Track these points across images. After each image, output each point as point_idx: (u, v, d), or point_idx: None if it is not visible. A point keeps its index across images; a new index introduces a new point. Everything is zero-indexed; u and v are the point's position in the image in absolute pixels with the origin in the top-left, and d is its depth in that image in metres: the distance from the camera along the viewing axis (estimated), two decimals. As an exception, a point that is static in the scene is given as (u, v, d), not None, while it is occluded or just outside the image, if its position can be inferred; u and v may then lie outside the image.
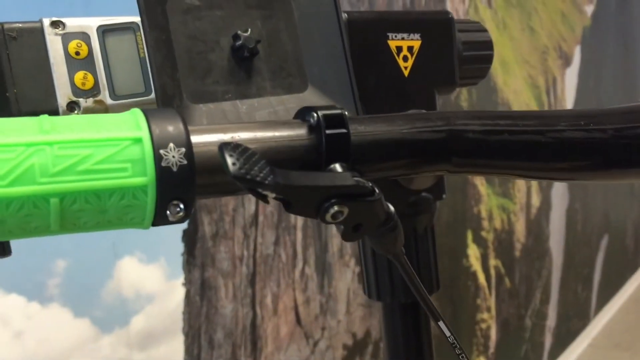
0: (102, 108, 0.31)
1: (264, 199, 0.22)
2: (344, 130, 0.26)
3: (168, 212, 0.21)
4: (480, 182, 1.74)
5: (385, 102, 0.40)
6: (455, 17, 0.44)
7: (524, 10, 1.98)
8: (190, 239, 0.98)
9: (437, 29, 0.42)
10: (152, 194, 0.21)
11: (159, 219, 0.22)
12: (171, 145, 0.21)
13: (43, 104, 0.29)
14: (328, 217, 0.23)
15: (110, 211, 0.21)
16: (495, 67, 1.81)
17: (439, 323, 0.30)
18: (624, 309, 2.73)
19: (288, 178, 0.22)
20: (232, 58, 0.33)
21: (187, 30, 0.32)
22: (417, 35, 0.41)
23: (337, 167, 0.25)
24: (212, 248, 1.00)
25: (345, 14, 0.38)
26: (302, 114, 0.27)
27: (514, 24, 1.92)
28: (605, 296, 2.68)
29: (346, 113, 0.26)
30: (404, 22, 0.40)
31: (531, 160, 0.28)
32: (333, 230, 1.24)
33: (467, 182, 1.69)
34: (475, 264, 1.72)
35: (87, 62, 0.30)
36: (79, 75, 0.30)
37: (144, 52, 0.32)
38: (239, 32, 0.32)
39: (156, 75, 0.30)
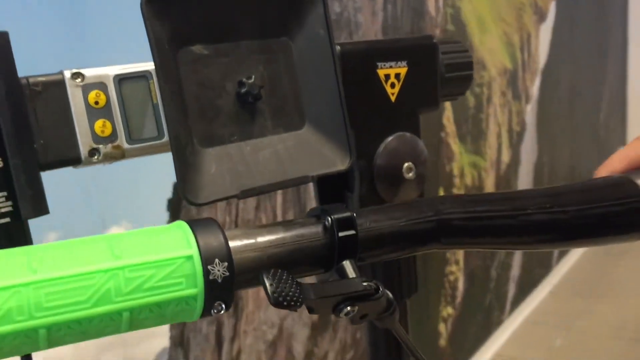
0: (119, 152, 0.33)
1: (295, 310, 0.26)
2: (353, 232, 0.30)
3: (213, 310, 0.26)
4: (453, 141, 1.79)
5: (373, 126, 0.43)
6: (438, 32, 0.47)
7: (502, -33, 1.99)
8: (175, 207, 1.01)
9: (422, 55, 0.45)
10: (201, 301, 0.25)
11: (204, 315, 0.26)
12: (217, 260, 0.25)
13: (66, 152, 0.32)
14: (342, 314, 0.27)
15: (167, 315, 0.24)
16: (472, 26, 1.83)
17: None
18: (584, 258, 2.86)
19: (312, 293, 0.25)
20: (237, 102, 0.35)
21: (196, 78, 0.34)
22: (404, 63, 0.44)
23: (347, 264, 0.28)
24: (195, 215, 1.04)
25: (339, 46, 0.41)
26: (317, 214, 0.30)
27: (490, -20, 1.93)
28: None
29: (354, 215, 0.30)
30: (392, 51, 0.43)
31: (505, 238, 0.32)
32: (311, 194, 1.28)
33: (441, 142, 1.74)
34: (446, 220, 1.79)
35: (106, 111, 0.33)
36: (98, 124, 0.32)
37: (156, 99, 0.34)
38: (244, 79, 0.35)
39: (169, 123, 0.33)
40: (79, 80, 0.32)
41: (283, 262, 0.27)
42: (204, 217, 0.27)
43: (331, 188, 0.43)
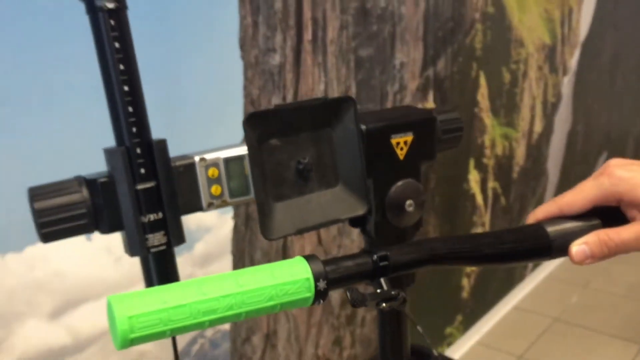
0: (224, 204, 0.55)
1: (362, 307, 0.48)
2: (387, 263, 0.51)
3: (316, 303, 0.47)
4: (486, 115, 1.95)
5: (387, 175, 0.63)
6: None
7: (547, -53, 2.07)
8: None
9: (424, 126, 0.64)
10: (311, 300, 0.46)
11: (312, 305, 0.47)
12: (320, 279, 0.46)
13: (195, 205, 0.53)
14: (380, 307, 0.50)
15: (296, 306, 0.46)
16: (512, 7, 1.95)
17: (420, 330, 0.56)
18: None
19: (368, 298, 0.48)
20: (296, 174, 0.56)
21: (272, 160, 0.55)
22: (410, 133, 0.63)
23: (382, 280, 0.50)
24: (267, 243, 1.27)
25: (364, 125, 0.61)
26: (369, 250, 0.51)
27: (535, -38, 2.02)
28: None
29: (388, 253, 0.51)
30: (402, 125, 0.63)
31: (468, 262, 0.54)
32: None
33: (475, 117, 1.90)
34: (475, 187, 1.98)
35: (218, 180, 0.54)
36: (213, 188, 0.54)
37: (248, 172, 0.55)
38: (301, 159, 0.56)
39: (255, 187, 0.54)
40: (202, 162, 0.54)
41: (353, 279, 0.49)
42: (311, 254, 0.48)
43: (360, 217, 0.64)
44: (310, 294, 0.46)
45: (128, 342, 0.40)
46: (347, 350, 1.59)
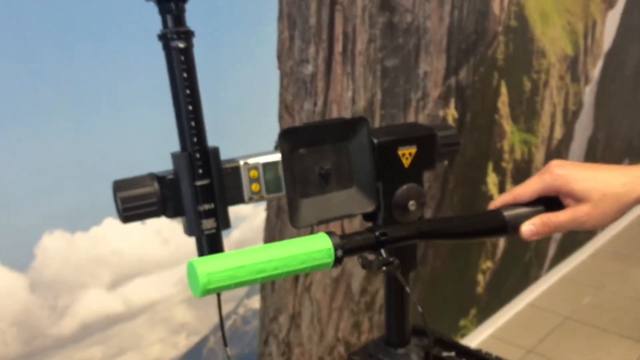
0: (261, 198, 0.70)
1: (369, 270, 0.63)
2: (385, 237, 0.66)
3: (334, 267, 0.61)
4: (506, 122, 2.07)
5: (394, 180, 0.77)
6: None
7: (572, -37, 2.17)
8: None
9: (426, 141, 0.78)
10: (331, 264, 0.61)
11: (331, 268, 0.62)
12: (339, 249, 0.61)
13: (238, 198, 0.68)
14: (381, 270, 0.64)
15: (318, 268, 0.61)
16: (534, 19, 2.06)
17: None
18: (630, 227, 3.08)
19: (374, 264, 0.63)
20: (319, 177, 0.71)
21: (300, 165, 0.70)
22: (414, 146, 0.77)
23: (383, 250, 0.65)
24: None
25: (376, 139, 0.75)
26: (373, 229, 0.66)
27: (559, -23, 2.12)
28: (616, 213, 3.02)
29: (386, 230, 0.66)
30: (408, 140, 0.77)
31: (446, 238, 0.70)
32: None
33: (494, 123, 2.02)
34: (493, 189, 2.10)
35: (257, 179, 0.69)
36: (253, 185, 0.69)
37: (281, 173, 0.70)
38: (323, 166, 0.70)
39: (286, 186, 0.69)
40: (246, 165, 0.69)
41: (361, 249, 0.64)
42: (331, 231, 0.63)
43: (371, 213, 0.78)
44: (330, 260, 0.61)
45: (205, 292, 0.56)
46: (365, 334, 1.73)
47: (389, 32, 1.56)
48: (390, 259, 0.67)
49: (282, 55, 1.34)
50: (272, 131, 1.36)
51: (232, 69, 1.24)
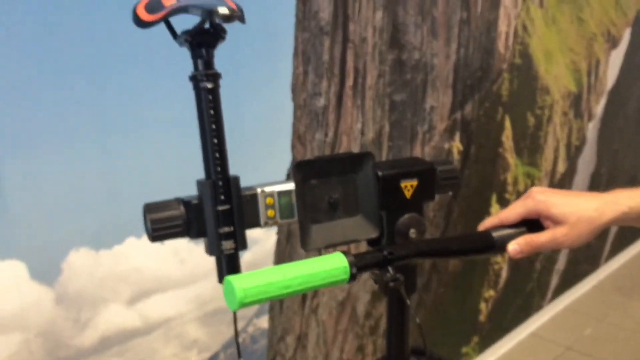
0: (275, 223, 0.77)
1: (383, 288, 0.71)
2: (392, 255, 0.73)
3: (348, 283, 0.69)
4: (510, 155, 2.14)
5: (396, 210, 0.85)
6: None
7: (576, 4, 2.26)
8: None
9: (426, 174, 0.86)
10: (347, 280, 0.68)
11: (347, 283, 0.69)
12: (353, 267, 0.68)
13: (254, 222, 0.76)
14: (388, 285, 0.72)
15: (334, 284, 0.68)
16: (539, 58, 2.14)
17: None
18: (635, 259, 3.12)
19: (383, 280, 0.71)
20: (327, 205, 0.78)
21: (311, 194, 0.77)
22: (415, 179, 0.85)
23: (390, 267, 0.72)
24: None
25: (381, 172, 0.83)
26: (381, 249, 0.73)
27: (563, 18, 2.21)
28: (619, 246, 3.07)
29: (392, 251, 0.73)
30: (409, 173, 0.84)
31: (443, 256, 0.78)
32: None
33: (498, 156, 2.10)
34: (496, 220, 2.16)
35: (272, 206, 0.76)
36: (269, 211, 0.76)
37: (293, 201, 0.78)
38: (332, 195, 0.78)
39: (298, 212, 0.76)
40: (263, 193, 0.76)
41: (372, 266, 0.71)
42: (346, 251, 0.70)
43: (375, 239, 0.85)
44: (346, 276, 0.68)
45: (242, 305, 0.63)
46: (368, 357, 1.79)
47: (398, 68, 1.65)
48: (397, 275, 0.74)
49: (296, 89, 1.42)
50: (285, 159, 1.44)
51: (250, 100, 1.33)
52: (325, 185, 0.79)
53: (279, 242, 1.48)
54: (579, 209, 0.79)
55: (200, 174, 0.76)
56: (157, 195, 1.04)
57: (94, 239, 1.13)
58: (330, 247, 0.78)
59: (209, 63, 0.73)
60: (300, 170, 0.76)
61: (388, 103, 1.65)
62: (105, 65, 1.06)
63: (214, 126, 0.73)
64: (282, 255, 1.49)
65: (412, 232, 0.86)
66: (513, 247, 0.81)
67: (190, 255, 1.29)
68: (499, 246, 0.82)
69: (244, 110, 1.33)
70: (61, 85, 1.02)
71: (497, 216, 0.85)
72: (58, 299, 1.10)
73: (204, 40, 0.72)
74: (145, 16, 0.72)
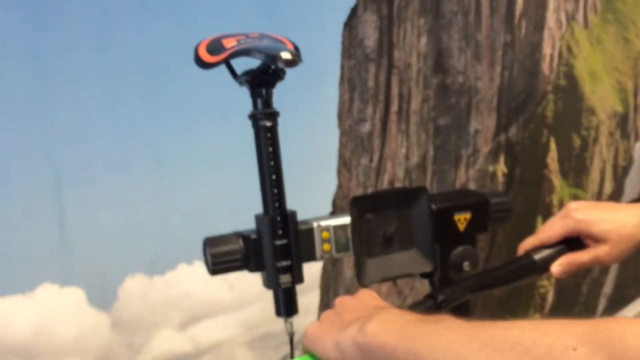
0: (331, 257, 0.78)
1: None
2: (445, 302, 0.73)
3: None
4: (555, 177, 2.12)
5: (450, 243, 0.85)
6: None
7: (621, 24, 2.23)
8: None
9: (479, 207, 0.86)
10: None
11: None
12: None
13: (310, 257, 0.77)
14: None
15: None
16: (584, 78, 2.12)
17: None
18: (685, 281, 3.03)
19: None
20: (383, 239, 0.79)
21: (367, 228, 0.79)
22: (469, 212, 0.85)
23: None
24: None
25: (434, 205, 0.83)
26: (433, 296, 0.74)
27: (608, 38, 2.19)
28: (668, 269, 2.98)
29: (445, 295, 0.73)
30: (463, 206, 0.85)
31: (493, 288, 0.78)
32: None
33: (544, 178, 2.07)
34: (541, 242, 2.13)
35: (328, 240, 0.78)
36: (325, 245, 0.78)
37: (349, 235, 0.79)
38: (387, 229, 0.79)
39: (354, 246, 0.78)
40: (319, 227, 0.78)
41: (431, 311, 0.72)
42: (398, 306, 0.70)
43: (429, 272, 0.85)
44: None
45: None
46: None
47: (442, 93, 1.65)
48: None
49: (342, 115, 1.44)
50: (331, 184, 1.46)
51: (297, 127, 1.35)
52: (380, 219, 0.79)
53: (324, 268, 1.49)
54: (619, 225, 0.79)
55: (250, 204, 0.78)
56: (208, 223, 1.07)
57: (149, 265, 1.16)
58: (385, 281, 0.79)
59: (267, 102, 0.75)
60: (357, 204, 0.77)
61: (432, 127, 1.65)
62: (162, 100, 1.10)
63: (272, 163, 0.75)
64: (327, 280, 1.50)
65: (466, 265, 0.86)
66: (556, 268, 0.81)
67: (238, 280, 1.31)
68: (541, 268, 0.82)
69: (291, 137, 1.35)
70: (120, 119, 1.06)
71: (537, 237, 0.85)
72: (114, 324, 1.13)
73: (264, 80, 0.74)
74: (207, 57, 0.75)
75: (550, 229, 0.85)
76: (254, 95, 0.75)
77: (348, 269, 1.53)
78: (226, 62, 0.74)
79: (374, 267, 0.79)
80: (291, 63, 0.67)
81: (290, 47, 0.77)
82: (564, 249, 0.83)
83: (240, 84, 0.76)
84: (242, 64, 0.76)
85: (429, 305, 0.73)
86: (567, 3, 1.97)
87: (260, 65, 0.72)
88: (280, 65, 0.67)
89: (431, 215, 0.82)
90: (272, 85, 0.75)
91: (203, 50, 0.76)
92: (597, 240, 0.80)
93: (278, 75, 0.74)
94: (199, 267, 1.25)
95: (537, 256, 0.83)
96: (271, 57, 0.68)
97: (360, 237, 0.79)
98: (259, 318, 1.34)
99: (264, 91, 0.74)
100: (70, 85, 1.02)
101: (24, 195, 0.98)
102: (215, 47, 0.75)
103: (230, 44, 0.75)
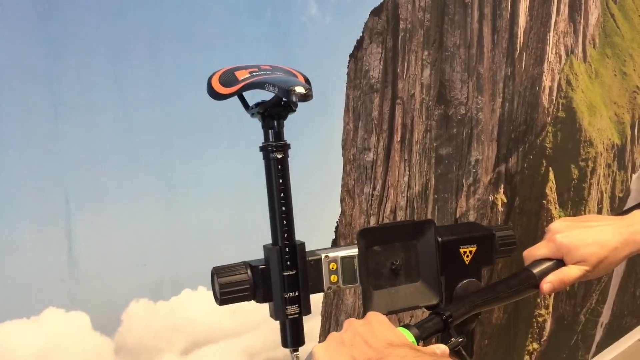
0: (338, 288, 0.79)
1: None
2: (451, 318, 0.74)
3: None
4: (553, 207, 2.13)
5: (456, 275, 0.86)
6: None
7: (619, 58, 2.27)
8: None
9: (485, 240, 0.87)
10: None
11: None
12: (420, 341, 0.69)
13: (317, 288, 0.78)
14: (454, 350, 0.73)
15: None
16: (582, 111, 2.15)
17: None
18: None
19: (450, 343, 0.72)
20: (389, 271, 0.81)
21: (374, 260, 0.80)
22: (474, 245, 0.86)
23: (452, 329, 0.73)
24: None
25: (440, 238, 0.85)
26: (440, 313, 0.74)
27: (606, 72, 2.22)
28: (665, 299, 2.99)
29: (451, 313, 0.74)
30: (469, 239, 0.86)
31: (496, 304, 0.79)
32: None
33: (542, 208, 2.09)
34: (540, 272, 2.14)
35: (336, 271, 0.79)
36: (332, 277, 0.79)
37: (357, 266, 0.80)
38: (393, 261, 0.80)
39: (361, 278, 0.79)
40: (326, 258, 0.79)
41: (435, 332, 0.72)
42: (407, 324, 0.71)
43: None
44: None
45: None
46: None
47: (444, 123, 1.68)
48: (459, 339, 0.75)
49: (347, 144, 1.46)
50: (334, 212, 1.47)
51: (302, 154, 1.37)
52: (387, 251, 0.81)
53: (326, 295, 1.49)
54: (599, 248, 0.82)
55: (255, 231, 0.79)
56: (213, 248, 1.07)
57: (154, 290, 1.17)
58: (392, 313, 0.80)
59: (279, 134, 0.77)
60: (365, 236, 0.79)
61: (434, 157, 1.67)
62: (172, 128, 1.12)
63: (282, 194, 0.76)
64: (329, 307, 1.50)
65: (471, 297, 0.87)
66: (546, 285, 0.83)
67: (241, 306, 1.32)
68: (537, 283, 0.84)
69: (296, 165, 1.37)
70: (131, 146, 1.08)
71: (524, 257, 0.87)
72: (117, 349, 1.14)
73: (276, 112, 0.76)
74: (220, 89, 0.77)
75: (535, 251, 0.87)
76: (266, 127, 0.76)
77: (350, 295, 1.53)
78: (239, 94, 0.76)
79: (380, 299, 0.80)
80: (305, 97, 0.69)
81: (302, 80, 0.79)
82: (560, 263, 0.84)
83: (252, 115, 0.78)
84: (253, 94, 0.77)
85: (436, 322, 0.74)
86: (567, 38, 2.01)
87: (273, 97, 0.73)
88: (294, 99, 0.69)
89: (438, 247, 0.83)
90: (284, 117, 0.76)
91: (216, 82, 0.77)
92: (580, 262, 0.83)
93: (290, 107, 0.75)
94: (203, 293, 1.25)
95: (536, 270, 0.85)
96: (285, 92, 0.69)
97: (367, 269, 0.80)
98: (261, 345, 1.34)
99: (275, 123, 0.76)
100: (82, 113, 1.04)
101: (34, 220, 0.99)
102: (228, 79, 0.77)
103: (242, 75, 0.77)
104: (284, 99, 0.73)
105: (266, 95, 0.75)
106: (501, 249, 0.89)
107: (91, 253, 1.06)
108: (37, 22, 1.00)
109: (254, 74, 0.77)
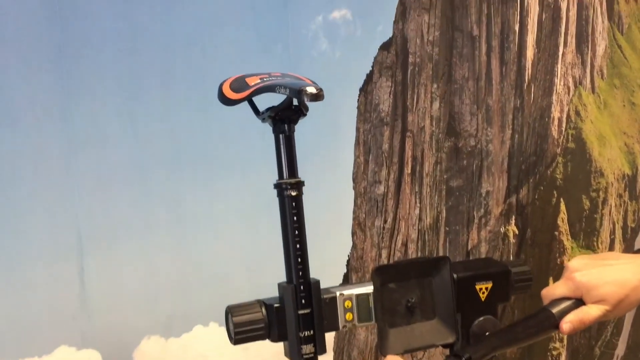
0: (353, 327, 0.78)
1: None
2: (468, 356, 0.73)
3: None
4: (565, 238, 2.12)
5: (472, 312, 0.85)
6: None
7: (627, 89, 2.27)
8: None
9: (501, 277, 0.86)
10: None
11: None
12: None
13: (331, 327, 0.77)
14: None
15: None
16: (592, 141, 2.14)
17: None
18: (699, 344, 2.97)
19: None
20: (405, 308, 0.80)
21: (389, 298, 0.79)
22: (490, 282, 0.85)
23: None
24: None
25: (456, 275, 0.84)
26: (459, 354, 0.73)
27: (615, 102, 2.23)
28: (681, 331, 2.94)
29: (470, 356, 0.73)
30: (485, 276, 0.85)
31: (515, 345, 0.77)
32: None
33: (554, 239, 2.08)
34: (553, 304, 2.11)
35: (351, 309, 0.78)
36: (347, 315, 0.78)
37: (371, 305, 0.79)
38: (409, 299, 0.79)
39: (376, 316, 0.78)
40: (341, 296, 0.78)
41: None
42: None
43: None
44: None
45: None
46: None
47: (454, 155, 1.68)
48: None
49: (357, 177, 1.46)
50: (346, 246, 1.46)
51: (313, 189, 1.36)
52: (403, 288, 0.80)
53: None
54: (619, 287, 0.81)
55: (266, 266, 0.78)
56: (225, 284, 1.06)
57: (165, 326, 1.16)
58: (408, 352, 0.78)
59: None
60: (380, 274, 0.78)
61: (445, 189, 1.67)
62: (182, 162, 1.12)
63: (296, 232, 0.76)
64: (342, 343, 1.49)
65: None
66: (566, 325, 0.81)
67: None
68: (557, 323, 0.82)
69: (307, 198, 1.37)
70: (142, 181, 1.08)
71: (542, 296, 0.86)
72: (128, 388, 1.13)
73: (287, 116, 0.75)
74: (231, 94, 0.76)
75: (553, 290, 0.86)
76: (277, 131, 0.75)
77: (362, 330, 1.52)
78: (249, 99, 0.75)
79: (397, 337, 0.79)
80: (316, 97, 0.68)
81: (308, 82, 0.78)
82: (579, 302, 0.83)
83: (263, 120, 0.76)
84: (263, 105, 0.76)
85: None
86: (574, 69, 2.02)
87: (284, 101, 0.73)
88: (306, 99, 0.68)
89: (453, 284, 0.82)
90: (295, 121, 0.75)
91: (227, 88, 0.77)
92: (599, 301, 0.82)
93: (301, 111, 0.74)
94: (215, 329, 1.24)
95: (555, 309, 0.83)
96: (296, 92, 0.68)
97: (382, 306, 0.79)
98: None
99: (286, 127, 0.75)
100: (95, 149, 1.04)
101: (47, 258, 0.99)
102: (239, 84, 0.76)
103: (253, 81, 0.76)
104: (294, 104, 0.73)
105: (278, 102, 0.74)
106: (517, 284, 0.88)
107: (103, 289, 1.06)
108: (52, 58, 1.01)
109: (265, 79, 0.76)
